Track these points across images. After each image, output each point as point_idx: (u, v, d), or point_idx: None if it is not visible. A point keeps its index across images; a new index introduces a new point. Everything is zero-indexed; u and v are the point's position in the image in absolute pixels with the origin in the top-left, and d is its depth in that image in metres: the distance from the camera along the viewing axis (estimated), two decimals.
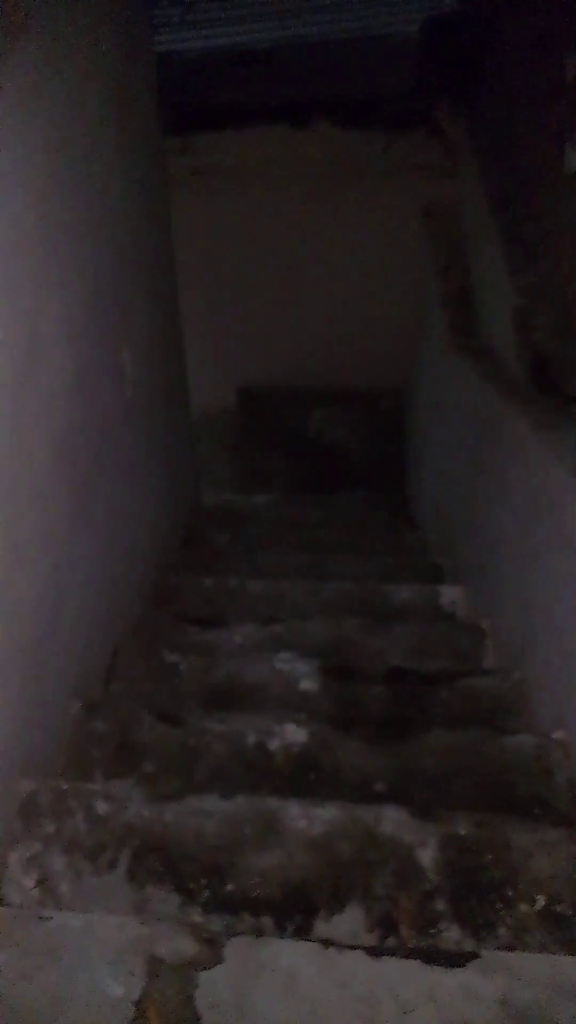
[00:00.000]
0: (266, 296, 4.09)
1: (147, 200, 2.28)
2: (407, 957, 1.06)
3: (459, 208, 3.36)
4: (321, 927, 1.22)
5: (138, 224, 2.17)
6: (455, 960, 1.05)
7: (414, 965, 1.04)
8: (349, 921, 1.22)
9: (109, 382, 1.89)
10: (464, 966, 1.05)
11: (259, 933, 1.21)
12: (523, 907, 1.24)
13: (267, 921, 1.23)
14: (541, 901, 1.24)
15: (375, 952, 1.06)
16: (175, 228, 3.73)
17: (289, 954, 1.05)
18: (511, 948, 1.19)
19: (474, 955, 1.06)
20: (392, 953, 1.06)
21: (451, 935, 1.21)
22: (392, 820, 1.34)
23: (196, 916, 1.23)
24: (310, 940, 1.18)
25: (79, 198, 1.63)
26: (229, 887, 1.26)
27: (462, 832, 1.32)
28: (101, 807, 1.35)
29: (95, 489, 1.81)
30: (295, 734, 1.61)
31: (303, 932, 1.21)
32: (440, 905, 1.24)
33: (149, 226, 2.33)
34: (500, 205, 2.77)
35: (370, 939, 1.20)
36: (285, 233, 3.79)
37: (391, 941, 1.20)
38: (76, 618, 1.68)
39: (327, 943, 1.07)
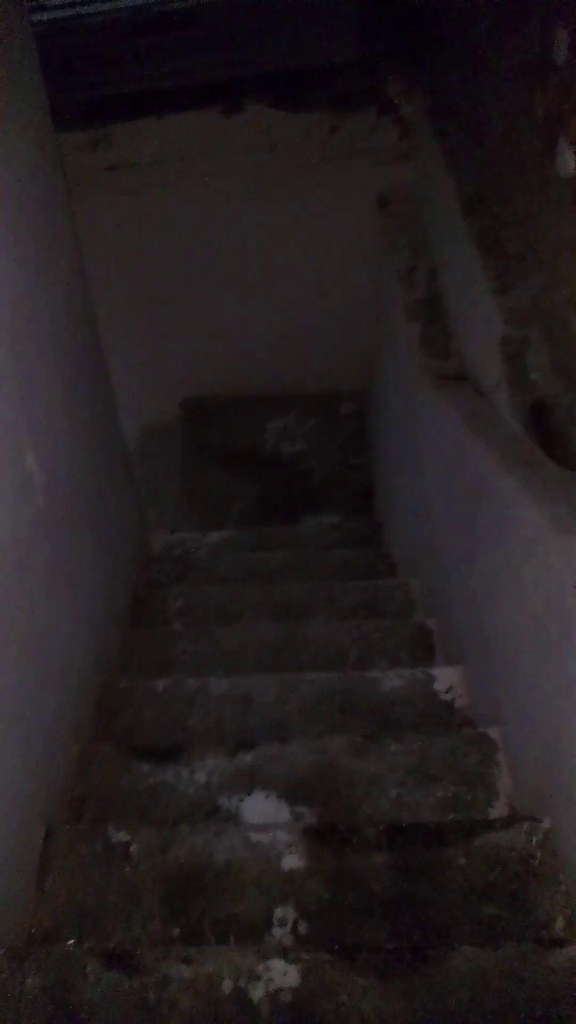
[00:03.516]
0: (208, 298, 3.62)
1: (42, 232, 1.81)
2: None
3: (421, 198, 2.93)
4: None
5: (32, 269, 1.71)
6: None
7: None
8: None
9: (9, 498, 1.47)
10: None
11: None
12: None
13: None
14: None
15: None
16: (95, 232, 3.24)
17: None
18: None
19: None
20: None
21: None
22: None
23: None
24: None
25: None
26: None
27: None
28: None
29: (4, 628, 1.40)
30: (285, 976, 1.25)
31: None
32: None
33: (49, 259, 1.86)
34: (474, 205, 2.35)
35: None
36: (223, 229, 3.32)
37: None
38: None
39: None
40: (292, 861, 1.52)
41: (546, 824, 1.54)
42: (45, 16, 3.30)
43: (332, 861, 1.52)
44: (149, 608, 2.69)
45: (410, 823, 1.61)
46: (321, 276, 3.44)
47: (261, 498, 3.83)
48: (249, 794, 1.76)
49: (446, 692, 2.10)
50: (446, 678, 2.12)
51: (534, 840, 1.53)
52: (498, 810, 1.74)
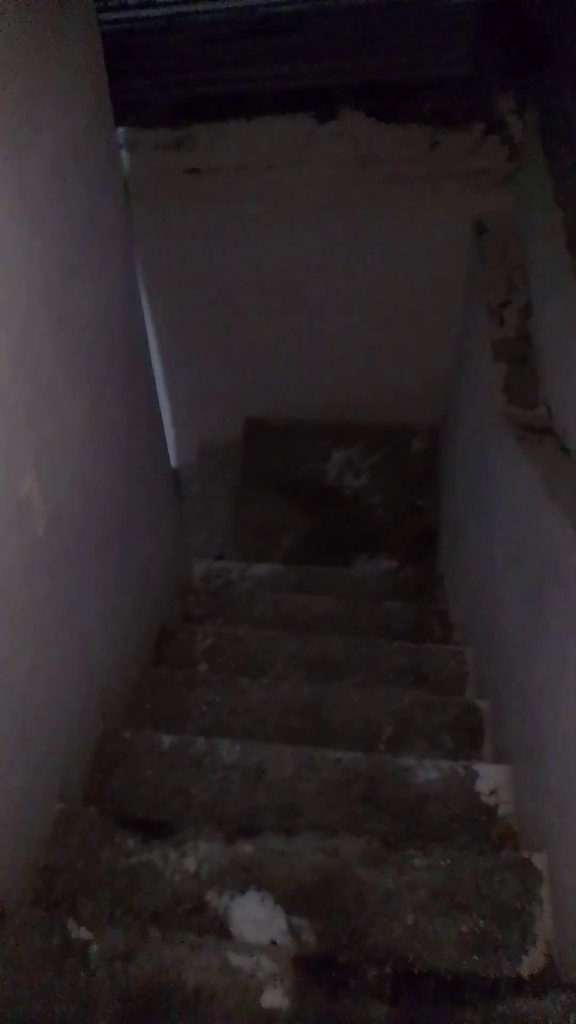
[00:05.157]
0: (281, 316, 3.41)
1: (78, 228, 1.61)
2: None
3: (522, 227, 2.65)
4: None
5: (62, 268, 1.52)
6: None
7: None
8: None
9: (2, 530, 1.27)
10: None
11: None
12: None
13: None
14: None
15: None
16: (168, 238, 3.09)
17: None
18: None
19: None
20: None
21: None
22: None
23: None
24: None
25: None
26: None
27: None
28: None
29: None
30: None
31: None
32: None
33: (88, 260, 1.68)
34: None
35: None
36: (304, 245, 3.11)
37: None
38: None
39: None
40: (275, 997, 1.27)
41: None
42: (151, 12, 3.18)
43: (322, 1005, 1.27)
44: (175, 644, 2.48)
45: (422, 971, 1.34)
46: (402, 302, 3.19)
47: (315, 532, 3.58)
48: (242, 893, 1.52)
49: (489, 794, 1.81)
50: (491, 777, 1.83)
51: (572, 1018, 1.24)
52: (532, 960, 1.45)
